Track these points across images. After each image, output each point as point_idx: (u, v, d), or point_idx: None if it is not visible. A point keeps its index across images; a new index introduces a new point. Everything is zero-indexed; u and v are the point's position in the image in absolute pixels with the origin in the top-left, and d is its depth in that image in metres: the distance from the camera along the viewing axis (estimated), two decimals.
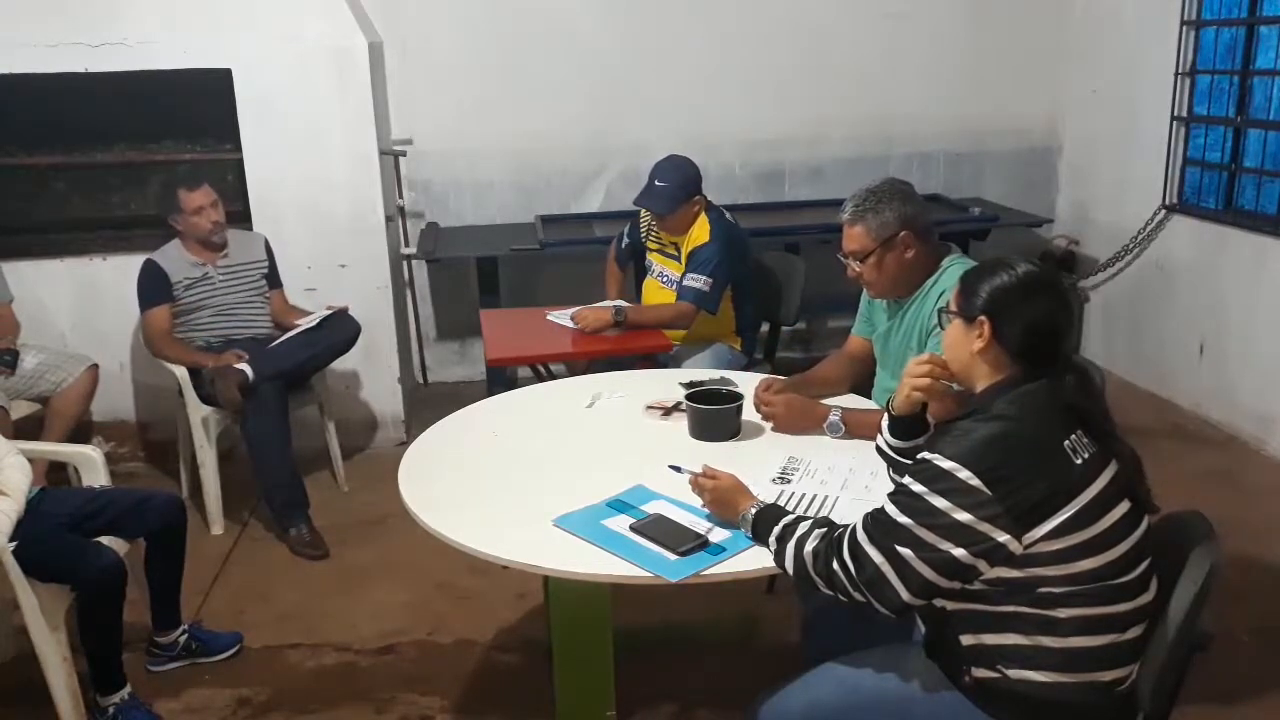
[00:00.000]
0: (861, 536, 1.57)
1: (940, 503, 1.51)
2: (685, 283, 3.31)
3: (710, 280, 3.28)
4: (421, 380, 4.86)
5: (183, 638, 2.77)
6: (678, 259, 3.39)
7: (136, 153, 4.00)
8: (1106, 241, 4.77)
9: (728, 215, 3.45)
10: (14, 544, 2.36)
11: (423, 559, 3.06)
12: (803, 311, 3.65)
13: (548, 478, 2.15)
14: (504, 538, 1.87)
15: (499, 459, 2.27)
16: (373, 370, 4.18)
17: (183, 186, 3.52)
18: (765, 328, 3.67)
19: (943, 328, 1.76)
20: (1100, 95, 4.83)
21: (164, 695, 2.64)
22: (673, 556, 1.77)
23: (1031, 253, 4.65)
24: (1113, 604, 1.56)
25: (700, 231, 3.35)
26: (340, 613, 3.02)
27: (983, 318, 1.64)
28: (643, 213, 3.54)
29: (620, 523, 1.89)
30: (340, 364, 3.84)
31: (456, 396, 2.89)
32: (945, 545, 1.50)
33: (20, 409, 3.51)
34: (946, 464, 1.52)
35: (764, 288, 3.56)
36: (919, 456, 1.60)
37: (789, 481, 2.04)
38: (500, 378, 3.43)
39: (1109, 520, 1.54)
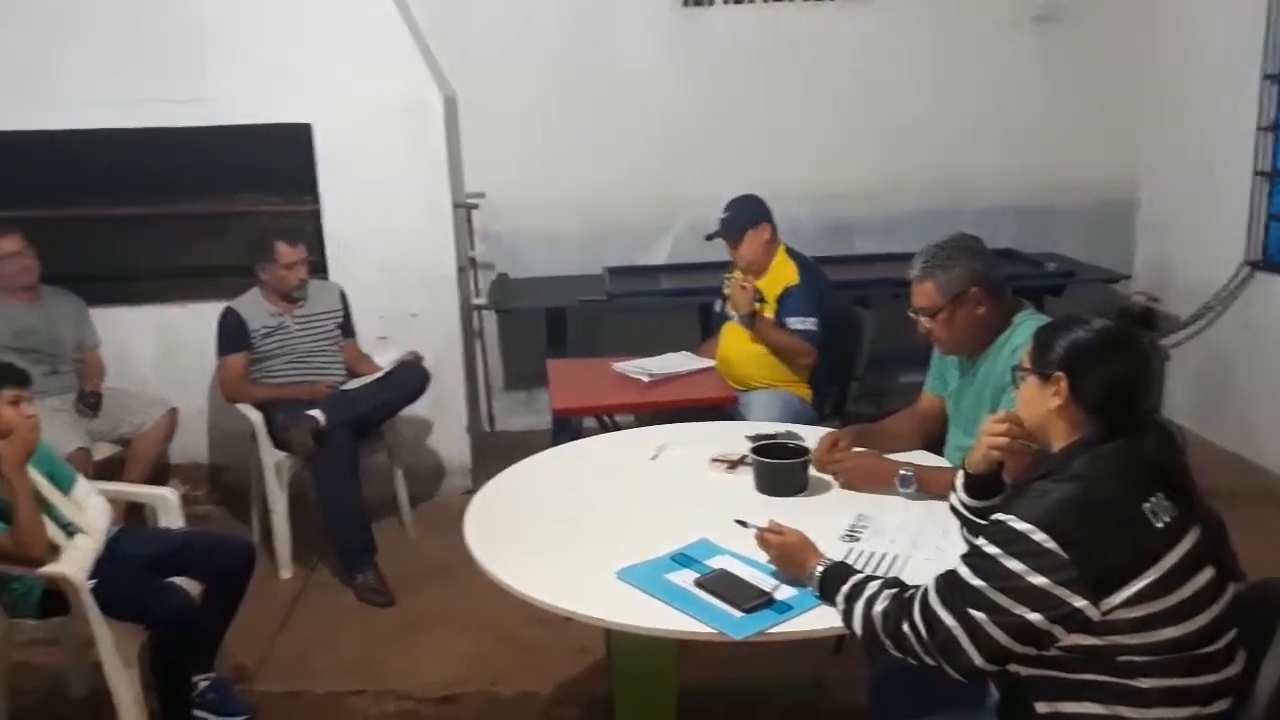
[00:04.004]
0: (933, 598, 1.53)
1: (1015, 565, 1.47)
2: (794, 326, 3.32)
3: (816, 320, 3.31)
4: (488, 429, 4.90)
5: (204, 684, 2.71)
6: (761, 302, 3.39)
7: (218, 204, 4.14)
8: (1187, 298, 4.64)
9: (812, 261, 3.47)
10: (94, 582, 2.43)
11: (486, 608, 3.06)
12: (873, 366, 3.61)
13: (611, 529, 2.14)
14: (567, 589, 1.86)
15: (563, 509, 2.26)
16: (441, 418, 4.23)
17: (281, 240, 3.61)
18: (836, 381, 3.63)
19: (1016, 385, 1.73)
20: (1179, 149, 4.74)
21: None
22: (737, 613, 1.75)
23: (1108, 309, 4.55)
24: (1196, 675, 1.49)
25: (785, 272, 3.38)
26: (404, 660, 3.02)
27: (1059, 375, 1.60)
28: (726, 273, 3.54)
29: (684, 577, 1.87)
30: (410, 412, 3.89)
31: (523, 445, 2.90)
32: (1020, 610, 1.46)
33: (102, 450, 3.62)
34: (1022, 525, 1.48)
35: (837, 341, 3.54)
36: (993, 517, 1.56)
37: (858, 539, 2.01)
38: (566, 427, 3.44)
39: (1192, 587, 1.48)
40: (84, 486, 2.71)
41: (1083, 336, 1.61)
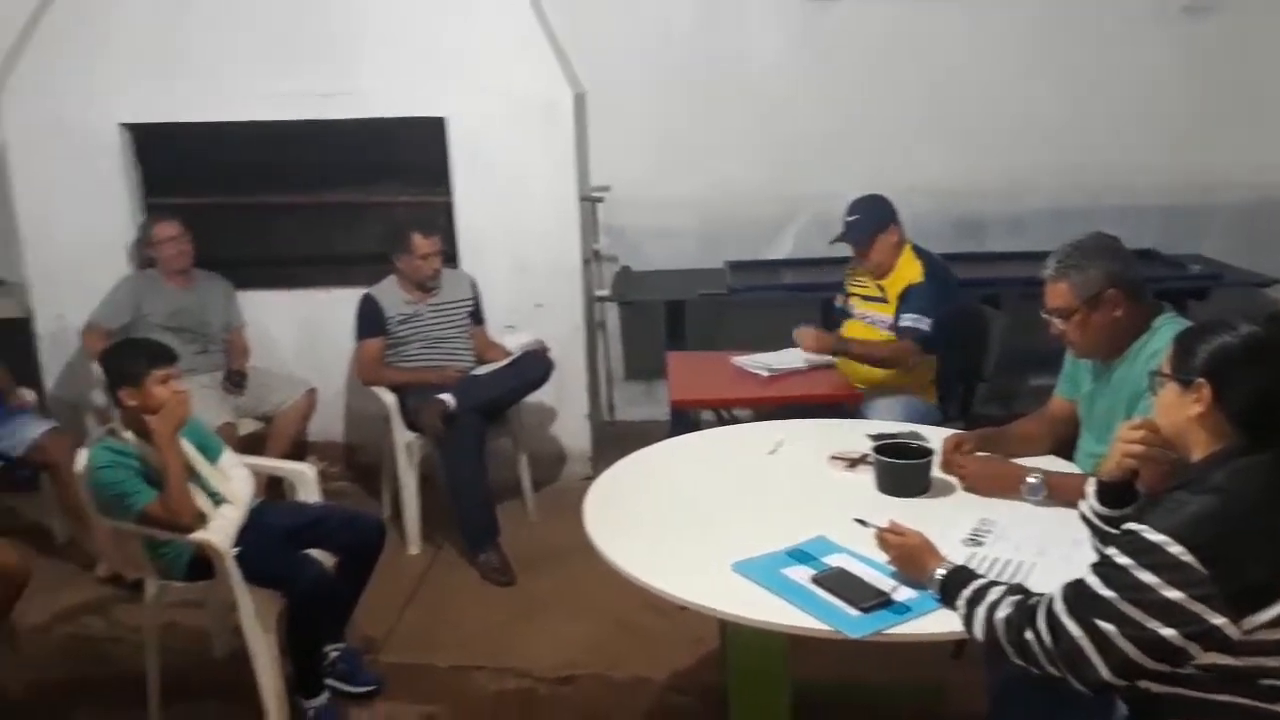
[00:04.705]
0: (1059, 607, 1.49)
1: (1148, 577, 1.42)
2: (904, 323, 3.24)
3: (931, 321, 3.22)
4: (608, 418, 4.97)
5: (335, 654, 2.82)
6: (883, 300, 3.34)
7: (357, 194, 4.31)
8: None
9: (939, 258, 3.39)
10: (237, 549, 2.58)
11: (603, 593, 3.10)
12: (1002, 368, 3.52)
13: (728, 522, 2.16)
14: (683, 579, 1.89)
15: (680, 499, 2.29)
16: (563, 406, 4.31)
17: (418, 231, 3.74)
18: (963, 382, 3.56)
19: (1154, 392, 1.67)
20: None
21: (356, 704, 2.78)
22: (854, 612, 1.74)
23: (1257, 315, 4.31)
24: None
25: (910, 270, 3.31)
26: (523, 639, 3.11)
27: (1202, 381, 1.54)
28: (848, 268, 3.50)
29: (801, 573, 1.87)
30: (533, 399, 3.98)
31: (641, 435, 2.95)
32: (1153, 624, 1.41)
33: (246, 426, 3.83)
34: (1156, 537, 1.43)
35: (963, 340, 3.46)
36: (1125, 527, 1.51)
37: (981, 544, 1.97)
38: (684, 419, 3.47)
39: None
40: (230, 458, 2.87)
41: (1229, 342, 1.55)
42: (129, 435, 2.64)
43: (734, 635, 2.02)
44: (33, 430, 3.57)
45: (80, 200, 4.14)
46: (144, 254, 4.04)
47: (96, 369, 3.28)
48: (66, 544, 3.73)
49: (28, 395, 3.86)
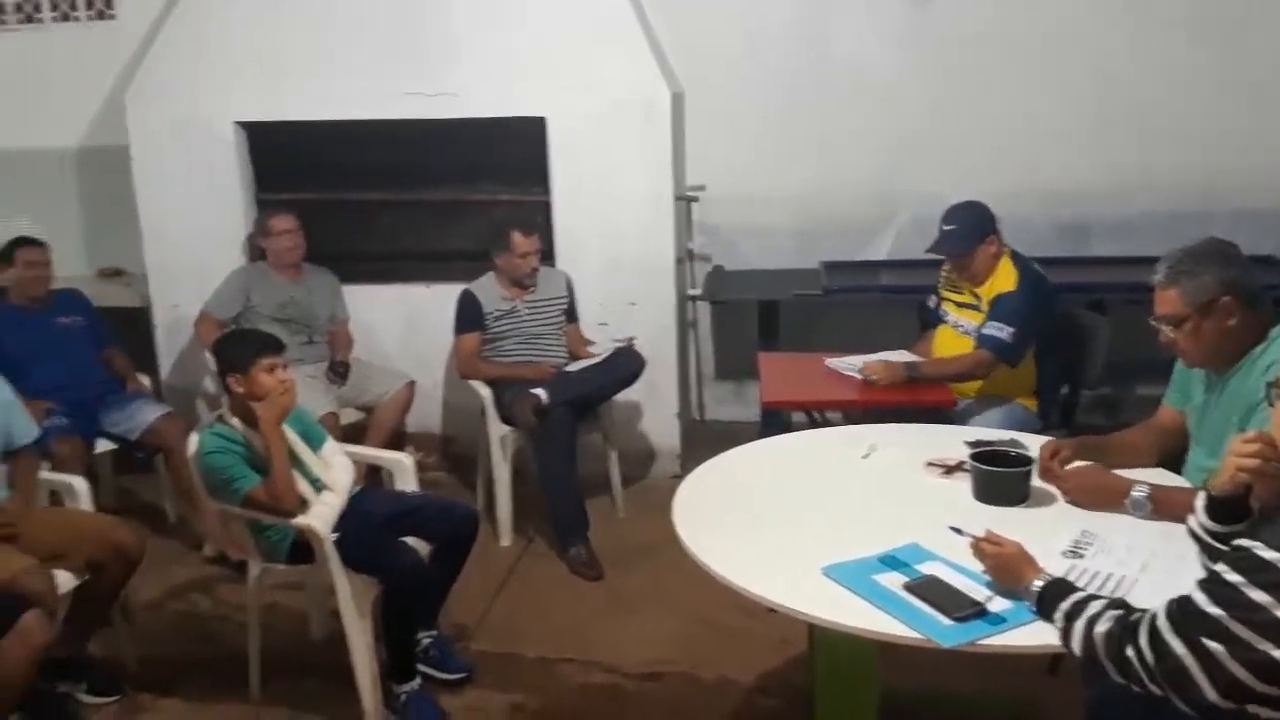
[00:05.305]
0: (1163, 624, 1.45)
1: (1260, 596, 1.36)
2: (986, 331, 3.16)
3: (1014, 331, 3.12)
4: (698, 417, 4.98)
5: (428, 640, 2.87)
6: (977, 308, 3.26)
7: (459, 193, 4.39)
8: None
9: (1036, 265, 3.30)
10: (336, 535, 2.66)
11: (690, 591, 3.11)
12: (1107, 375, 3.40)
13: (818, 525, 2.14)
14: (771, 580, 1.88)
15: (770, 501, 2.28)
16: (653, 404, 4.33)
17: (518, 230, 3.80)
18: (1064, 390, 3.45)
19: (1270, 404, 1.60)
20: None
21: (447, 691, 2.84)
22: (947, 621, 1.71)
23: None
24: None
25: (1004, 278, 3.21)
26: (610, 634, 3.14)
27: None
28: (943, 270, 3.44)
29: (892, 580, 1.85)
30: (624, 396, 4.01)
31: (730, 435, 2.94)
32: (1263, 645, 1.36)
33: (348, 416, 3.95)
34: (1270, 554, 1.37)
35: (1065, 347, 3.36)
36: (1236, 543, 1.46)
37: (1081, 557, 1.92)
38: (775, 420, 3.45)
39: None
40: (331, 446, 2.97)
41: None
42: (237, 422, 2.75)
43: (822, 640, 2.01)
44: (148, 414, 3.75)
45: (196, 196, 4.32)
46: (257, 247, 4.20)
47: (208, 357, 3.43)
48: (177, 524, 3.91)
49: (145, 381, 4.06)
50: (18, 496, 2.82)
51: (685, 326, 4.69)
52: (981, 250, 3.22)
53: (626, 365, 3.80)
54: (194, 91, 4.22)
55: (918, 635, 1.69)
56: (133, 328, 4.36)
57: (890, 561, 1.91)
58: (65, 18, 4.78)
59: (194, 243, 4.32)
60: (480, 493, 3.97)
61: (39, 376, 3.48)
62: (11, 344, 3.53)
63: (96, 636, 2.91)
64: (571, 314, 4.02)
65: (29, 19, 4.81)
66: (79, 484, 3.01)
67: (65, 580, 2.65)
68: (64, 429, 3.48)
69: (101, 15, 4.76)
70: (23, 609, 2.28)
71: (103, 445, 3.76)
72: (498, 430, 3.73)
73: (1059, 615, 1.61)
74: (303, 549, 2.71)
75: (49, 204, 4.84)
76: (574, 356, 3.91)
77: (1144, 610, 1.51)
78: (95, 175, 4.80)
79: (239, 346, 2.81)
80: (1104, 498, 2.13)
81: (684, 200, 4.48)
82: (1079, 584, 1.73)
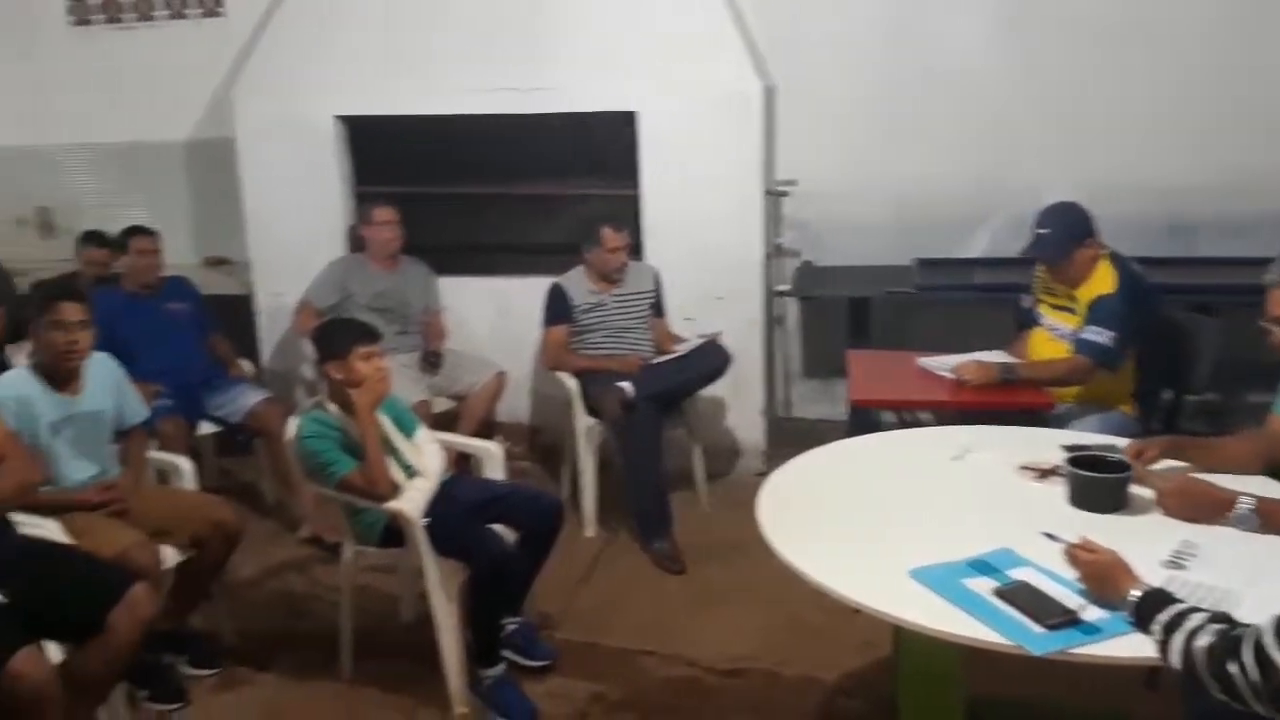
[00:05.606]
0: (1270, 640, 1.39)
1: None
2: (1085, 335, 3.06)
3: (1114, 335, 3.02)
4: (784, 414, 4.94)
5: (512, 626, 2.91)
6: (1072, 311, 3.17)
7: (550, 186, 4.44)
8: None
9: (1136, 266, 3.19)
10: (427, 520, 2.72)
11: (774, 589, 3.07)
12: (1214, 381, 3.27)
13: (906, 527, 2.11)
14: (857, 581, 1.86)
15: (857, 500, 2.26)
16: (739, 400, 4.32)
17: (608, 225, 3.84)
18: (1168, 396, 3.33)
19: None
20: None
21: (530, 677, 2.87)
22: (1038, 628, 1.67)
23: None
24: None
25: (1102, 281, 3.11)
26: (692, 628, 3.14)
27: None
28: (1037, 266, 3.35)
29: (982, 584, 1.82)
30: (709, 391, 4.01)
31: (817, 434, 2.92)
32: None
33: (440, 404, 4.03)
34: None
35: (1169, 351, 3.24)
36: None
37: (1182, 568, 1.85)
38: (863, 419, 3.40)
39: None
40: (424, 434, 3.03)
41: None
42: (334, 408, 2.83)
43: (908, 643, 1.98)
44: (249, 399, 3.88)
45: (298, 188, 4.46)
46: (358, 237, 4.31)
47: (307, 344, 3.53)
48: (275, 506, 4.05)
49: (247, 366, 4.21)
50: (129, 474, 2.95)
51: (772, 322, 4.66)
52: (1078, 254, 3.12)
53: (712, 360, 3.80)
54: (297, 86, 4.35)
55: (1007, 642, 1.66)
56: (236, 315, 4.52)
57: (980, 566, 1.88)
58: (177, 15, 4.99)
59: (295, 233, 4.46)
60: (565, 483, 4.01)
61: (148, 360, 3.62)
62: (124, 329, 3.69)
63: (198, 611, 3.03)
64: (658, 308, 4.03)
65: (145, 17, 5.03)
66: (185, 464, 3.14)
67: (170, 555, 2.77)
68: (170, 411, 3.63)
69: (211, 13, 4.95)
70: (131, 581, 2.38)
71: (205, 427, 3.92)
72: (583, 422, 3.76)
73: (1157, 627, 1.57)
74: (394, 533, 2.78)
75: (160, 195, 5.06)
76: (660, 351, 3.92)
77: (1248, 625, 1.46)
78: (203, 167, 5.00)
79: (337, 335, 2.89)
80: (1206, 509, 2.05)
81: (774, 195, 4.45)
82: (1179, 596, 1.67)
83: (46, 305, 2.73)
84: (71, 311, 2.73)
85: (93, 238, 4.28)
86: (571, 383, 3.81)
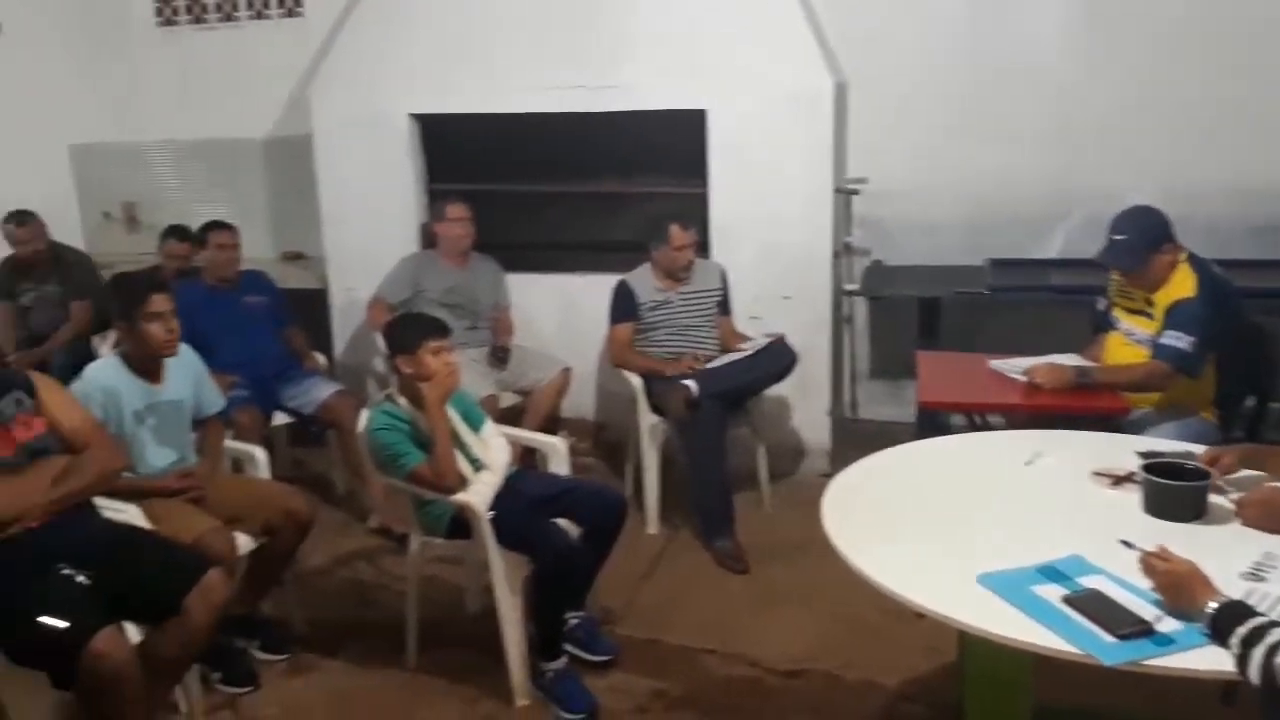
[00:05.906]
0: None
1: None
2: (1164, 340, 2.96)
3: (1195, 340, 2.92)
4: (850, 415, 4.90)
5: (575, 621, 2.92)
6: (1149, 315, 3.08)
7: (618, 184, 4.46)
8: None
9: (1216, 269, 3.09)
10: (492, 513, 2.75)
11: (837, 590, 3.06)
12: None
13: (974, 532, 2.08)
14: (923, 585, 1.84)
15: (924, 504, 2.23)
16: (804, 400, 4.29)
17: (676, 223, 3.84)
18: (1250, 402, 3.23)
19: None
20: None
21: (592, 671, 2.89)
22: (1110, 638, 1.64)
23: None
24: None
25: (1182, 284, 3.00)
26: (754, 628, 3.14)
27: None
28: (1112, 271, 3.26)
29: (1052, 592, 1.78)
30: (774, 390, 3.99)
31: (883, 435, 2.89)
32: None
33: (506, 399, 4.07)
34: None
35: (1251, 355, 3.14)
36: None
37: (1263, 580, 1.80)
38: (932, 422, 3.35)
39: None
40: (491, 428, 3.07)
41: None
42: (404, 401, 2.88)
43: (974, 649, 1.95)
44: (322, 391, 3.97)
45: (372, 185, 4.55)
46: (431, 233, 4.37)
47: (379, 339, 3.60)
48: (345, 496, 4.14)
49: (320, 359, 4.31)
50: (206, 462, 3.04)
51: (840, 322, 4.62)
52: (1155, 260, 3.02)
53: (778, 360, 3.78)
54: (373, 85, 4.43)
55: (1077, 650, 1.63)
56: (311, 309, 4.62)
57: (1050, 573, 1.84)
58: (259, 16, 5.12)
59: (369, 229, 4.55)
60: (629, 480, 4.02)
61: (225, 352, 3.70)
62: (203, 321, 3.77)
63: (269, 597, 3.11)
64: (725, 306, 4.02)
65: (228, 18, 5.17)
66: (259, 454, 3.22)
67: (244, 542, 2.85)
68: (245, 401, 3.73)
69: (291, 13, 5.08)
70: (207, 567, 2.45)
71: (279, 418, 4.02)
72: (647, 419, 3.77)
73: (1235, 640, 1.52)
74: (461, 525, 2.82)
75: (240, 191, 5.20)
76: (726, 349, 3.91)
77: None
78: (281, 164, 5.12)
79: (408, 329, 2.94)
80: None
81: (844, 193, 4.40)
82: (1259, 609, 1.62)
83: (142, 298, 2.81)
84: (164, 303, 2.83)
85: (174, 232, 4.41)
86: (635, 380, 3.82)
